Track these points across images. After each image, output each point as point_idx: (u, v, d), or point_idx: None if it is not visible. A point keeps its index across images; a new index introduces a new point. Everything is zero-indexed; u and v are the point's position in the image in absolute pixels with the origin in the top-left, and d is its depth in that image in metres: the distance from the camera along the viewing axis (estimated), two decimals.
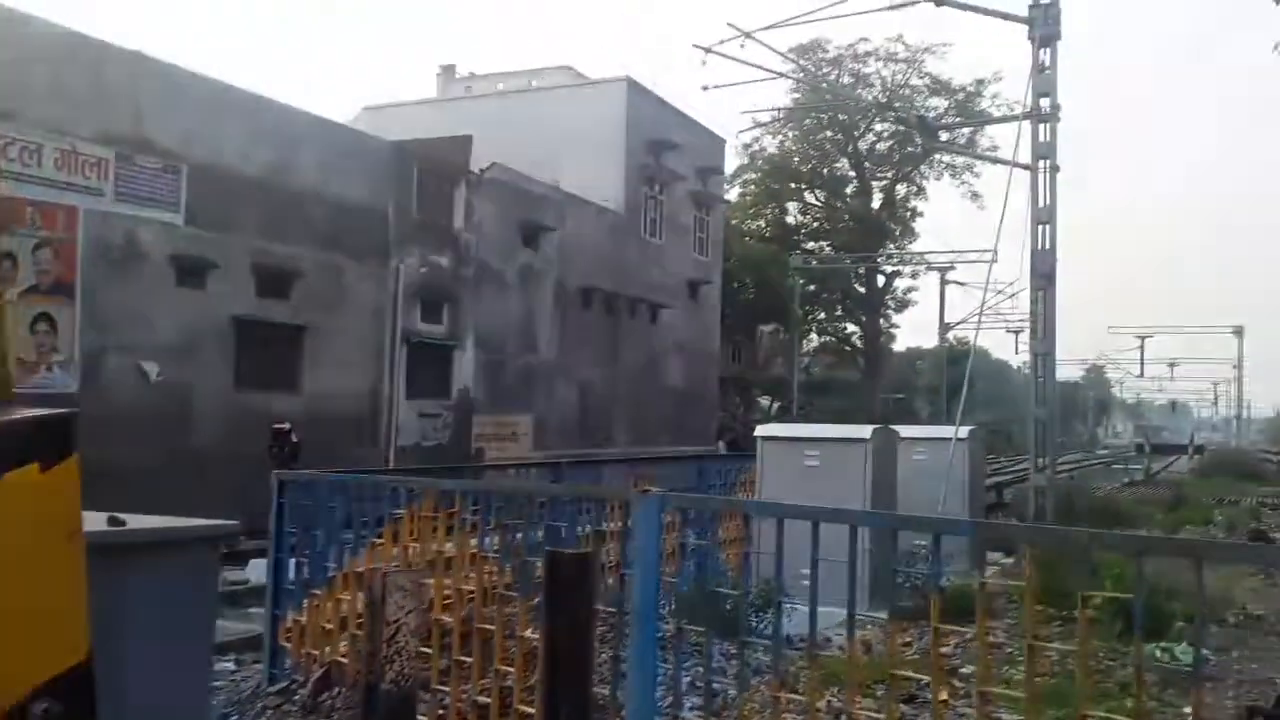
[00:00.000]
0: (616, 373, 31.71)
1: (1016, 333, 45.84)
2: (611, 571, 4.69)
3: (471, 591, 5.02)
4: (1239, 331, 69.44)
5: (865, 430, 10.71)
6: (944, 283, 47.55)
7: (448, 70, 44.57)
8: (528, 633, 4.49)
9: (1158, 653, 6.70)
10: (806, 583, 3.70)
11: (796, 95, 46.41)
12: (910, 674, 4.02)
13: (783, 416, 43.45)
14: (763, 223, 53.67)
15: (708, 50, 18.84)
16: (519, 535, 4.80)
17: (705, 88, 21.61)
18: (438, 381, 24.92)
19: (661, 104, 33.66)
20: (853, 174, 54.21)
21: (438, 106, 36.85)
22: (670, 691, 4.35)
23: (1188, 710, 5.97)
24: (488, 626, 4.74)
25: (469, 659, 4.77)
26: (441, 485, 5.43)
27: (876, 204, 54.17)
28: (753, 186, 53.15)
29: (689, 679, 5.06)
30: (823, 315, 56.16)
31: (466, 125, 28.89)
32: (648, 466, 14.57)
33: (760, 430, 11.21)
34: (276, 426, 17.32)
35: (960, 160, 50.39)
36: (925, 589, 7.68)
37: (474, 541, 5.11)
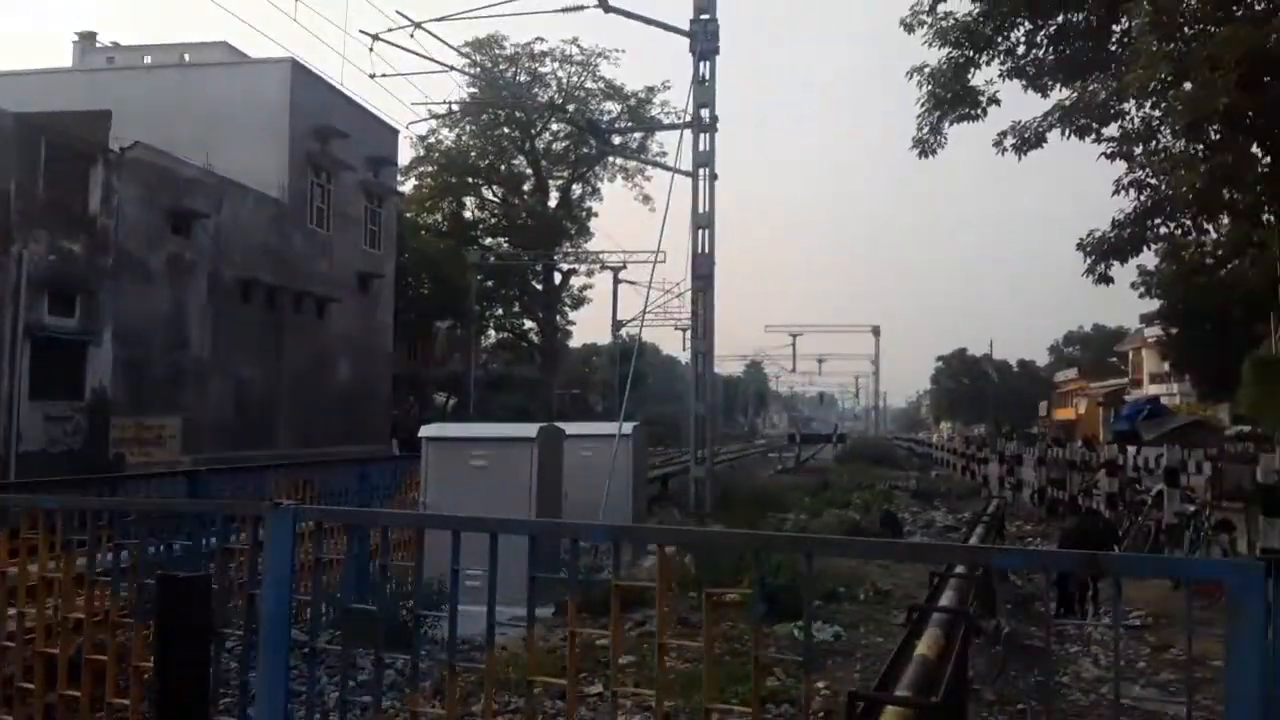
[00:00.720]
0: (280, 370, 30.15)
1: (684, 330, 48.27)
2: (240, 592, 4.39)
3: (80, 619, 4.53)
4: (876, 331, 77.21)
5: (531, 429, 10.79)
6: (617, 281, 49.34)
7: (86, 38, 40.40)
8: (146, 662, 4.11)
9: (795, 632, 7.21)
10: (472, 585, 3.65)
11: (474, 90, 46.30)
12: (549, 678, 4.04)
13: (459, 414, 43.20)
14: (439, 217, 53.04)
15: (375, 37, 18.37)
16: (129, 555, 4.38)
17: (373, 76, 21.11)
18: (68, 381, 22.51)
19: (329, 89, 32.32)
20: (530, 172, 54.82)
21: (73, 78, 33.32)
22: (312, 711, 4.13)
23: (821, 684, 6.50)
24: (99, 657, 4.30)
25: (78, 693, 4.30)
26: (38, 502, 4.85)
27: (553, 202, 55.12)
28: (429, 180, 52.38)
29: (338, 695, 4.85)
30: (501, 312, 56.40)
31: (107, 100, 26.33)
32: (307, 471, 13.89)
33: (425, 430, 10.99)
34: None
35: (632, 164, 52.33)
36: (581, 587, 7.90)
37: (83, 562, 4.60)
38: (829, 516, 18.89)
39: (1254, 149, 14.20)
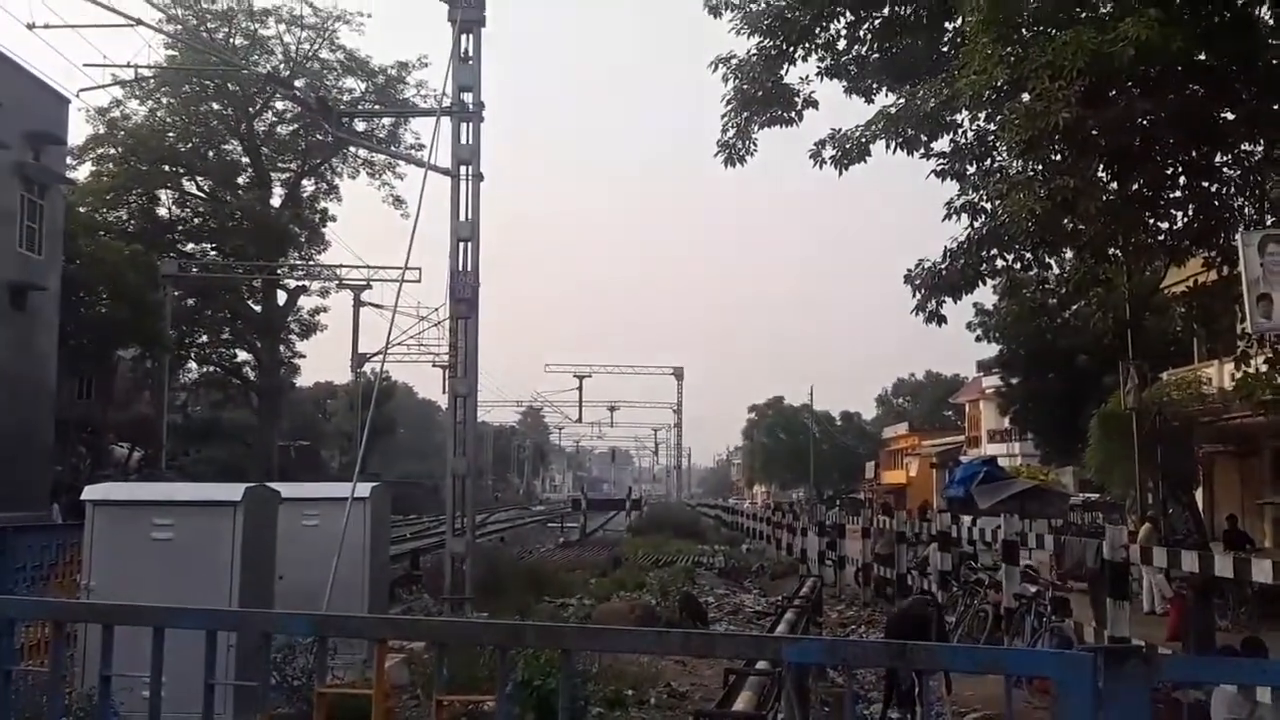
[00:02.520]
0: None
1: (444, 368, 47.89)
2: None
3: None
4: (679, 374, 78.90)
5: (235, 490, 10.37)
6: (359, 304, 48.41)
7: None
8: None
9: None
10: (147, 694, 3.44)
11: (172, 55, 44.63)
12: None
13: (149, 471, 41.27)
14: (125, 214, 50.71)
15: None
16: None
17: (32, 26, 19.66)
18: None
19: None
20: (246, 161, 53.37)
21: None
22: None
23: None
24: None
25: None
26: None
27: (277, 201, 53.81)
28: (111, 166, 49.96)
29: None
30: (206, 339, 54.37)
31: None
32: None
33: (90, 491, 10.39)
34: None
35: (379, 157, 51.65)
36: (285, 696, 7.61)
37: None
38: (619, 602, 19.08)
39: (1099, 172, 15.21)
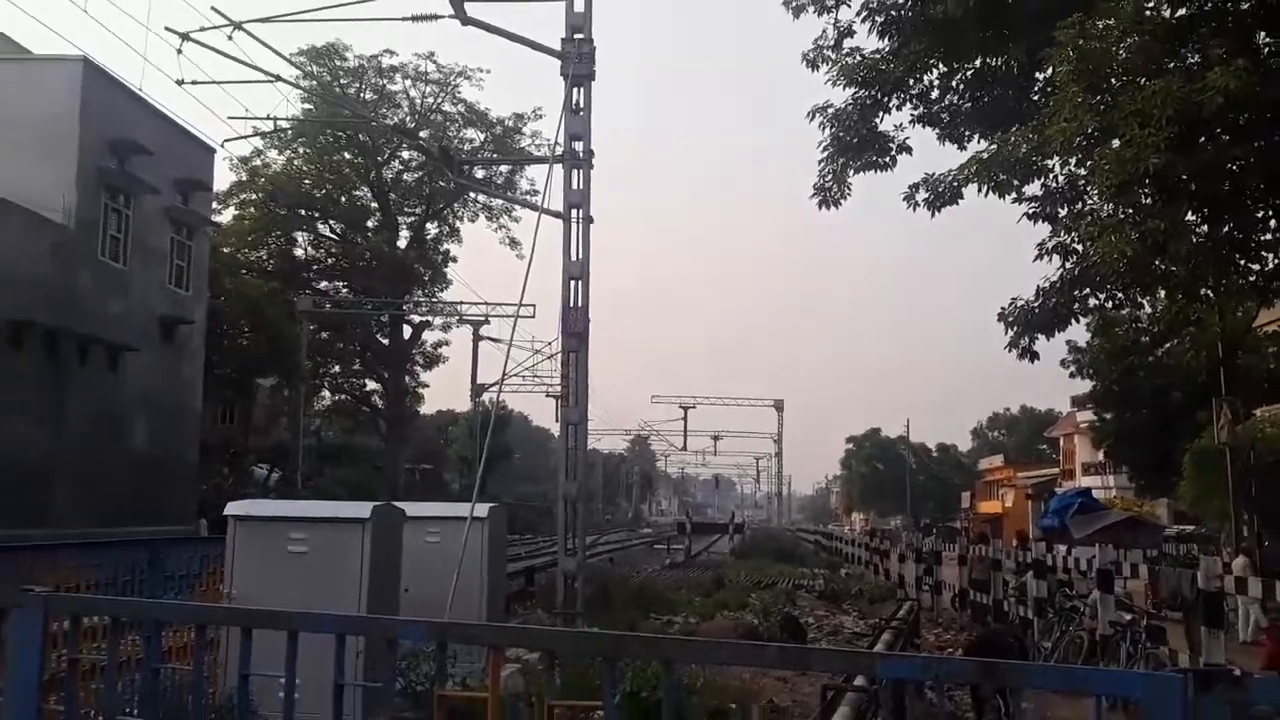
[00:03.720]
0: (60, 433, 28.97)
1: (556, 398, 48.21)
2: None
3: None
4: (779, 405, 78.44)
5: (364, 508, 10.59)
6: (478, 338, 49.07)
7: None
8: None
9: None
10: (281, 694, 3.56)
11: (308, 107, 45.88)
12: None
13: (285, 490, 42.12)
14: (265, 254, 52.12)
15: (185, 37, 18.08)
16: None
17: (181, 82, 20.36)
18: None
19: (130, 96, 31.58)
20: (375, 205, 54.49)
21: None
22: None
23: None
24: None
25: None
26: None
27: (403, 242, 54.80)
28: (252, 210, 51.45)
29: None
30: (338, 369, 55.48)
31: None
32: (79, 554, 13.34)
33: (233, 507, 10.69)
34: None
35: (497, 202, 52.39)
36: (408, 700, 7.75)
37: None
38: (722, 620, 19.01)
39: (1189, 215, 14.87)
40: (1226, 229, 15.19)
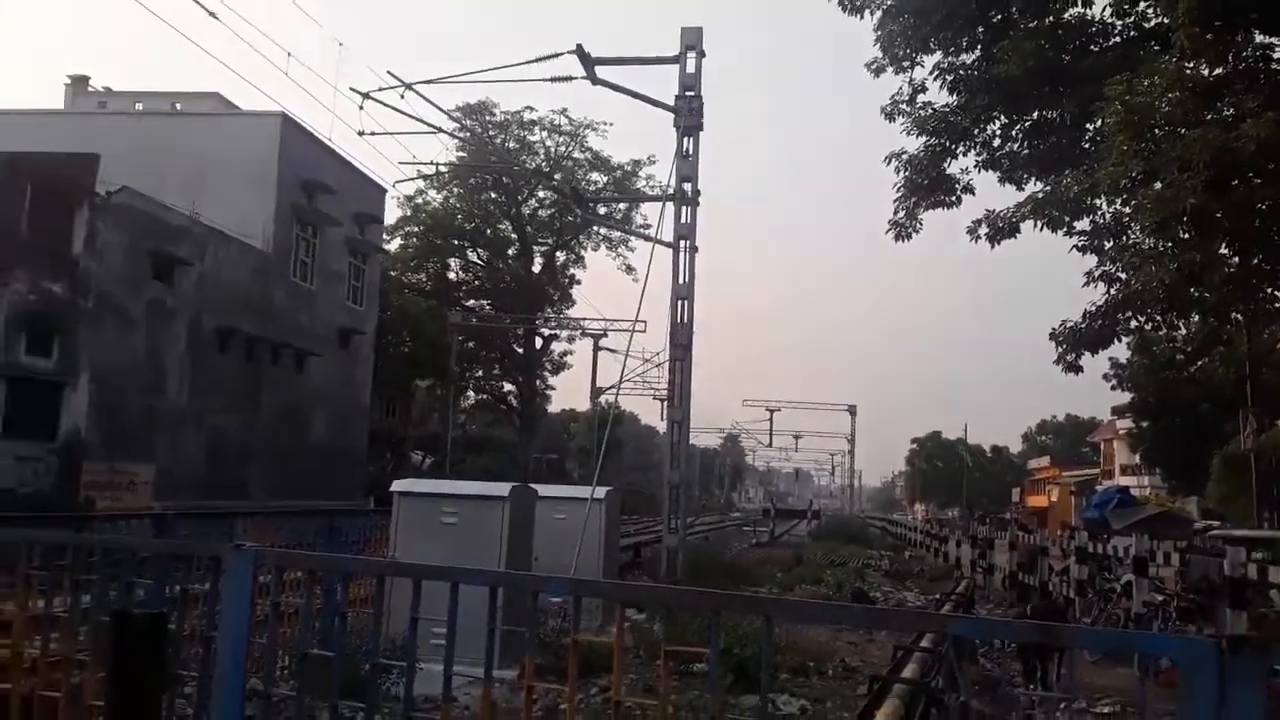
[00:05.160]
0: (256, 421, 29.91)
1: (662, 400, 48.17)
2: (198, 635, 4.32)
3: (36, 657, 4.45)
4: (853, 410, 77.35)
5: (504, 488, 10.71)
6: (597, 348, 49.34)
7: (79, 81, 40.73)
8: (100, 702, 4.03)
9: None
10: (438, 643, 3.62)
11: (462, 154, 46.79)
12: None
13: (435, 473, 42.84)
14: (424, 277, 53.21)
15: (366, 96, 18.56)
16: (90, 595, 4.32)
17: (362, 133, 21.17)
18: (42, 421, 22.26)
19: (318, 144, 32.55)
20: (515, 237, 55.22)
21: (63, 120, 33.54)
22: None
23: None
24: (52, 694, 4.22)
25: None
26: None
27: (537, 268, 55.44)
28: (414, 240, 52.63)
29: None
30: (480, 373, 56.36)
31: (96, 144, 26.42)
32: (275, 520, 13.74)
33: (397, 485, 10.90)
34: None
35: (616, 234, 52.82)
36: (545, 647, 7.80)
37: (41, 602, 4.54)
38: (800, 591, 18.80)
39: (1222, 249, 14.43)
40: (1255, 260, 14.70)
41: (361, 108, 18.59)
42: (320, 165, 32.90)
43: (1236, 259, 14.69)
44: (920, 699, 5.20)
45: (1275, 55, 13.67)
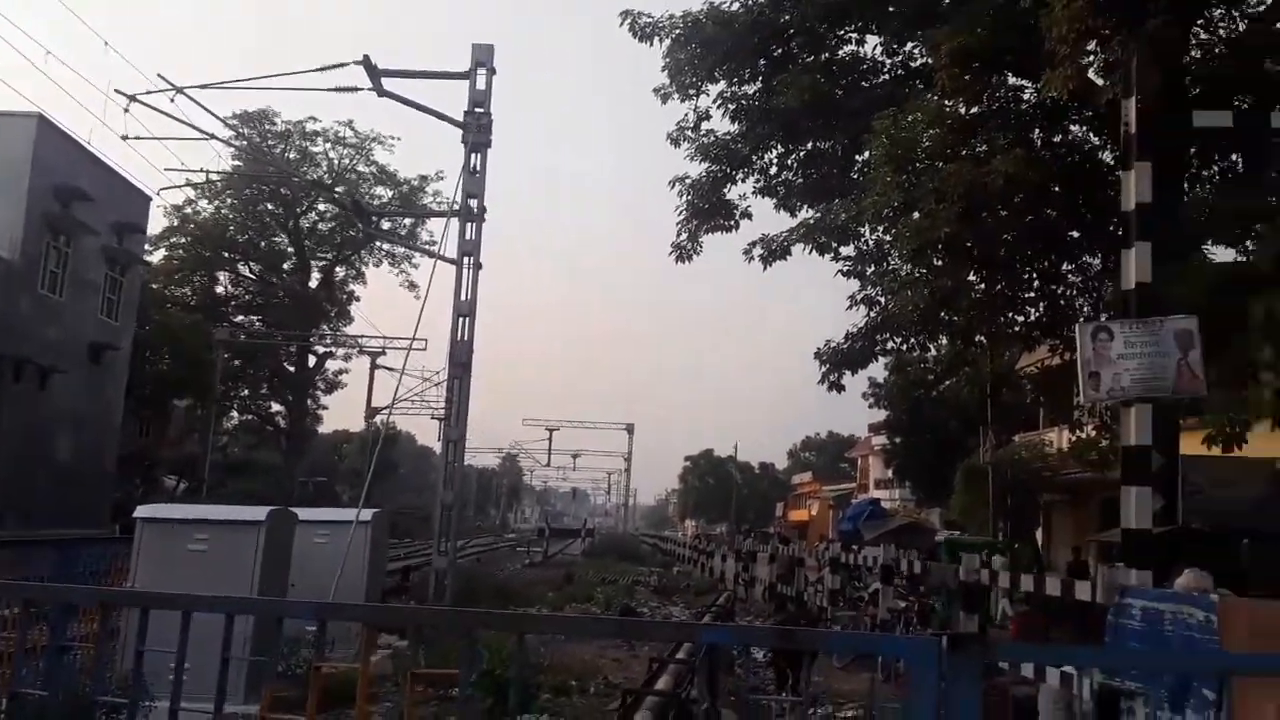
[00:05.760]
0: None
1: (440, 420, 47.16)
2: None
3: None
4: (630, 429, 78.60)
5: (260, 512, 10.08)
6: (374, 367, 47.88)
7: None
8: None
9: None
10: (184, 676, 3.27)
11: (237, 163, 44.54)
12: None
13: (191, 498, 40.31)
14: (189, 290, 50.06)
15: (132, 99, 17.31)
16: None
17: (125, 138, 19.51)
18: None
19: (78, 149, 30.07)
20: (291, 250, 52.90)
21: None
22: None
23: None
24: None
25: None
26: None
27: (314, 283, 53.31)
28: (181, 251, 49.39)
29: None
30: (247, 392, 53.44)
31: None
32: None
33: (141, 510, 10.08)
34: None
35: (400, 249, 51.54)
36: (288, 677, 7.36)
37: None
38: (571, 609, 18.77)
39: (970, 276, 15.43)
40: (999, 287, 15.78)
41: (127, 110, 17.31)
42: (77, 170, 30.35)
43: (983, 285, 15.76)
44: (671, 710, 5.20)
45: (1025, 96, 14.74)
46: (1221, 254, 14.67)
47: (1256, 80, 13.43)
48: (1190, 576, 8.25)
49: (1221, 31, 14.54)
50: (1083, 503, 28.11)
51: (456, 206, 17.20)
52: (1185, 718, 5.57)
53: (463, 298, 17.11)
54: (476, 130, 17.04)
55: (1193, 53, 14.01)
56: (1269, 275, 10.87)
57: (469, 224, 17.26)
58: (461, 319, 17.20)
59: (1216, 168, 15.33)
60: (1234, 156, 14.92)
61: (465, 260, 17.23)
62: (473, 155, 17.21)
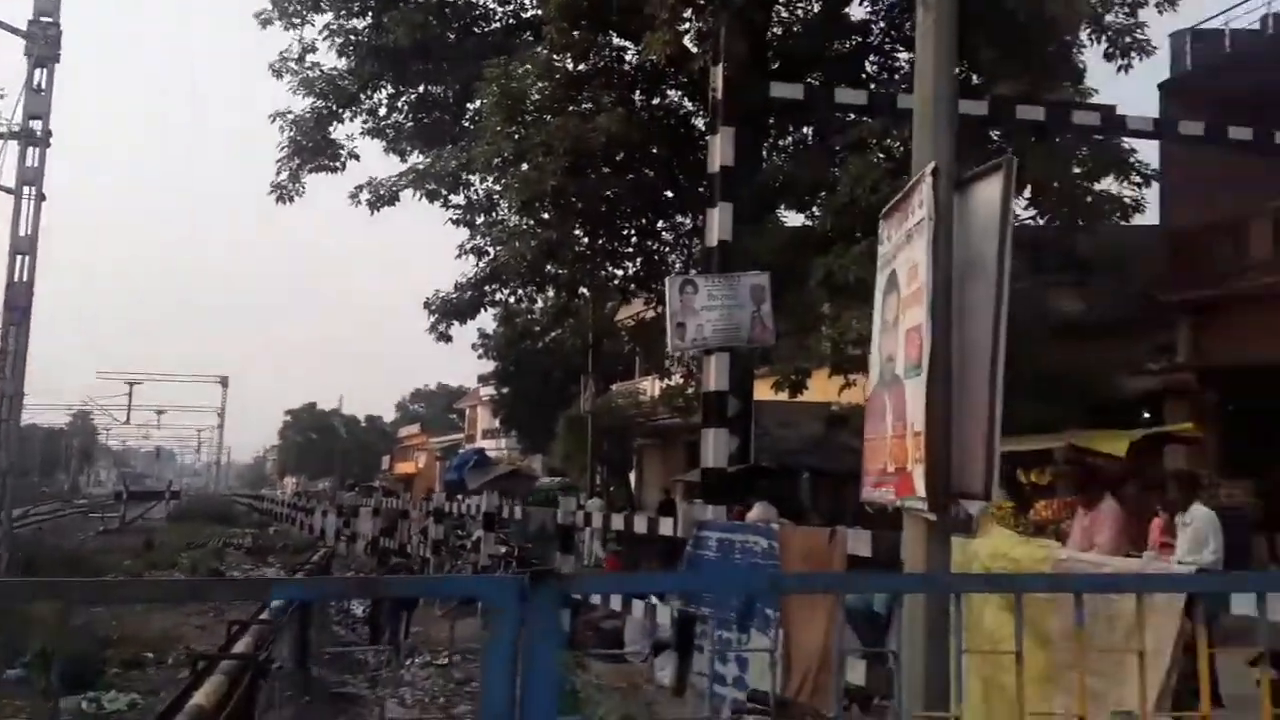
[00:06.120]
0: None
1: None
2: None
3: None
4: (224, 382, 73.85)
5: None
6: None
7: None
8: None
9: (83, 704, 6.36)
10: None
11: None
12: None
13: None
14: None
15: None
16: None
17: None
18: None
19: None
20: None
21: None
22: None
23: None
24: None
25: None
26: None
27: None
28: None
29: None
30: None
31: None
32: None
33: None
34: None
35: None
36: None
37: None
38: (153, 576, 17.40)
39: (575, 229, 15.95)
40: (601, 241, 16.49)
41: None
42: None
43: (586, 239, 16.39)
44: (248, 673, 5.00)
45: (628, 58, 15.33)
46: (792, 218, 16.34)
47: (826, 59, 15.05)
48: (759, 509, 9.27)
49: (800, 11, 16.07)
50: (671, 445, 30.31)
51: (16, 128, 15.31)
52: (750, 636, 6.25)
53: (22, 234, 15.28)
54: (43, 42, 15.33)
55: (775, 29, 15.35)
56: (830, 237, 12.24)
57: (30, 149, 15.43)
58: (20, 257, 15.37)
59: (791, 138, 16.98)
60: (805, 129, 16.60)
61: (26, 190, 15.42)
62: (37, 71, 15.46)
